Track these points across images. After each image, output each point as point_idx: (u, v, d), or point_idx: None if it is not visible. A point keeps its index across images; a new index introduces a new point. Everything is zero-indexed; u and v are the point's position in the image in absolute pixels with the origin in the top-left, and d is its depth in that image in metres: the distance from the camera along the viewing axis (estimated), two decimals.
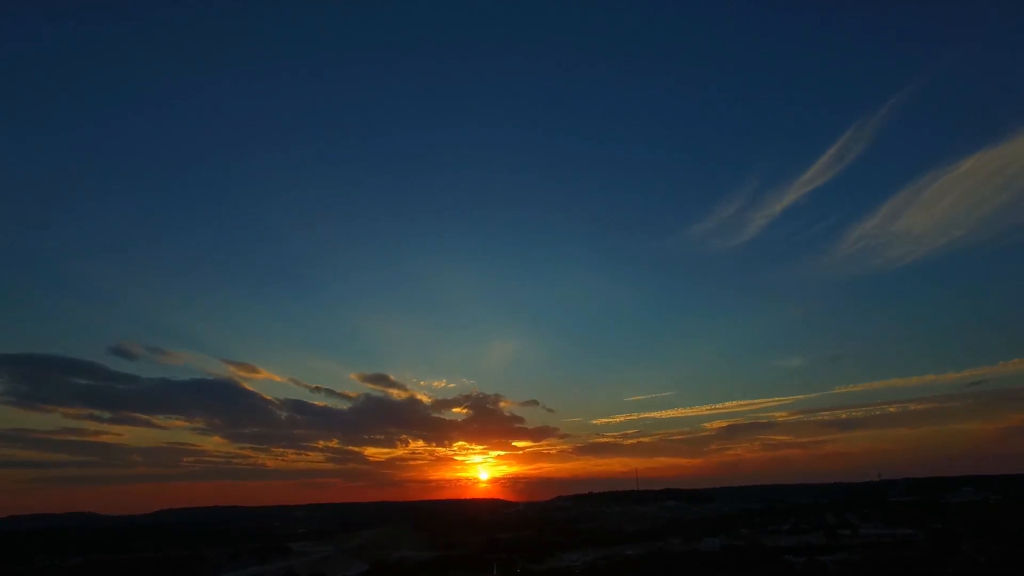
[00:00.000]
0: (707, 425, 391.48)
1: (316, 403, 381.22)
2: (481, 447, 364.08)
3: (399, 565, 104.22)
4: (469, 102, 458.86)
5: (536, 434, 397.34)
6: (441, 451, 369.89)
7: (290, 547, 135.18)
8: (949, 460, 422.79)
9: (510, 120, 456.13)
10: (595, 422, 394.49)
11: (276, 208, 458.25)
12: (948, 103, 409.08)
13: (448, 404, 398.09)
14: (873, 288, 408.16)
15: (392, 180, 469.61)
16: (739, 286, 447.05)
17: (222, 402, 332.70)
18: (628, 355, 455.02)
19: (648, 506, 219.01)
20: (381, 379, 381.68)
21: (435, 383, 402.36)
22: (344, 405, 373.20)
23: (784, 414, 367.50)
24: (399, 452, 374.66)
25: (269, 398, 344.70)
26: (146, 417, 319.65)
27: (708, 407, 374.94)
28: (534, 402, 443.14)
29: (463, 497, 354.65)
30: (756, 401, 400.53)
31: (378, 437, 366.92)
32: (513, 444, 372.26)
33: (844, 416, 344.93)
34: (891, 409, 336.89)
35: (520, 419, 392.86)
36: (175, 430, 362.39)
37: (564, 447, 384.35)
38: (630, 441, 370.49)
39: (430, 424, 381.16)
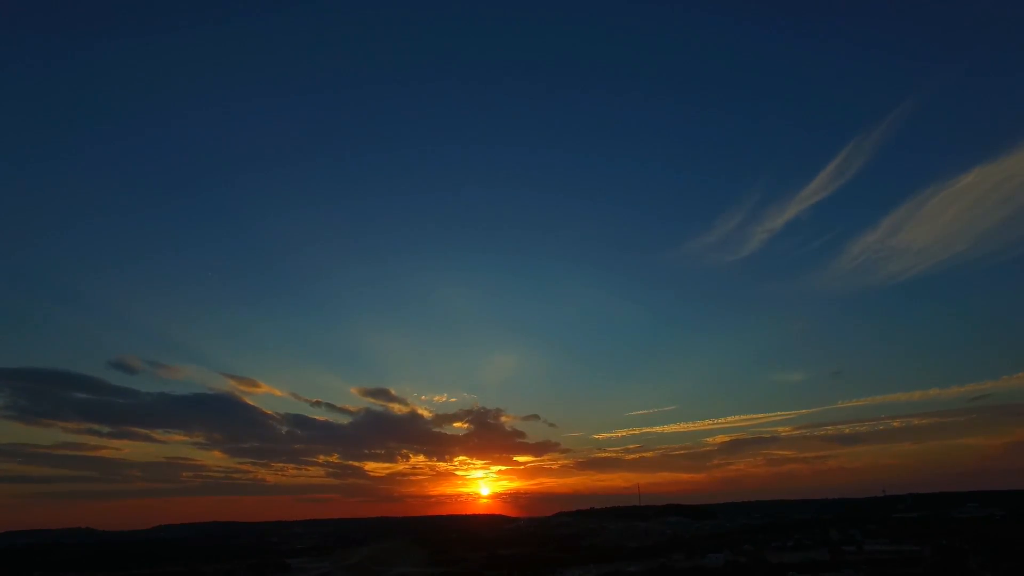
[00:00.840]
0: (709, 440, 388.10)
1: (317, 417, 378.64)
2: (482, 462, 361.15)
3: None
4: (470, 120, 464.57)
5: (537, 449, 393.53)
6: (442, 466, 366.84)
7: (288, 563, 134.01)
8: (954, 475, 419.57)
9: (510, 137, 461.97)
10: (596, 437, 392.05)
11: (277, 223, 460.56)
12: (948, 117, 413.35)
13: (449, 419, 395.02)
14: (875, 302, 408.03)
15: (393, 196, 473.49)
16: (740, 300, 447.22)
17: (222, 416, 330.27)
18: (629, 370, 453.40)
19: (650, 522, 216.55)
20: (382, 393, 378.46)
21: (436, 397, 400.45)
22: (345, 420, 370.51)
23: (787, 429, 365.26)
24: (399, 467, 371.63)
25: (269, 412, 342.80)
26: (146, 431, 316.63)
27: (710, 422, 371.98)
28: (535, 417, 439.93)
29: (464, 512, 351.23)
30: (758, 416, 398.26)
31: (378, 452, 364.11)
32: (514, 459, 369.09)
33: (847, 431, 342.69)
34: (894, 424, 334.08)
35: (521, 434, 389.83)
36: (175, 445, 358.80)
37: (565, 462, 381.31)
38: (632, 456, 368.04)
39: (431, 439, 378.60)
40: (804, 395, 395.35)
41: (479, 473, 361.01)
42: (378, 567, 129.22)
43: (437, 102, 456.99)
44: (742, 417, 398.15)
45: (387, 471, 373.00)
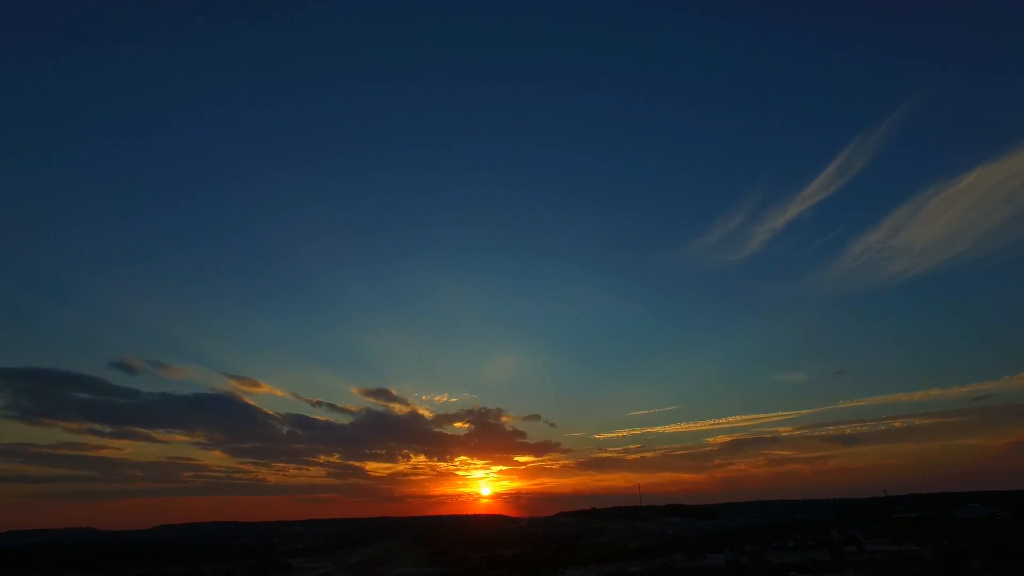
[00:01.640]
0: (710, 440, 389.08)
1: (317, 417, 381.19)
2: (483, 462, 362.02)
3: None
4: (471, 120, 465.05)
5: (538, 449, 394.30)
6: (443, 466, 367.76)
7: (289, 563, 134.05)
8: (955, 475, 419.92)
9: (512, 138, 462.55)
10: (597, 437, 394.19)
11: (278, 223, 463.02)
12: (949, 117, 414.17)
13: (450, 419, 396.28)
14: (876, 302, 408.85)
15: (393, 197, 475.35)
16: (741, 301, 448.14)
17: (223, 416, 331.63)
18: (630, 370, 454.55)
19: (651, 522, 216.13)
20: (383, 393, 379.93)
21: (437, 398, 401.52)
22: (345, 420, 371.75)
23: (788, 429, 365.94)
24: (400, 467, 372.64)
25: (270, 412, 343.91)
26: (147, 431, 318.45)
27: (711, 422, 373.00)
28: (536, 417, 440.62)
29: (464, 513, 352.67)
30: (759, 416, 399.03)
31: (379, 452, 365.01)
32: (515, 459, 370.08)
33: (848, 431, 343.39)
34: (896, 424, 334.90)
35: (522, 434, 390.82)
36: (176, 444, 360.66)
37: (566, 462, 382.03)
38: (633, 456, 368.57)
39: (431, 439, 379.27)
40: (805, 395, 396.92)
41: (480, 473, 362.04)
42: (379, 567, 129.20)
43: (438, 103, 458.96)
44: (743, 417, 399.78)
45: (388, 471, 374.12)
